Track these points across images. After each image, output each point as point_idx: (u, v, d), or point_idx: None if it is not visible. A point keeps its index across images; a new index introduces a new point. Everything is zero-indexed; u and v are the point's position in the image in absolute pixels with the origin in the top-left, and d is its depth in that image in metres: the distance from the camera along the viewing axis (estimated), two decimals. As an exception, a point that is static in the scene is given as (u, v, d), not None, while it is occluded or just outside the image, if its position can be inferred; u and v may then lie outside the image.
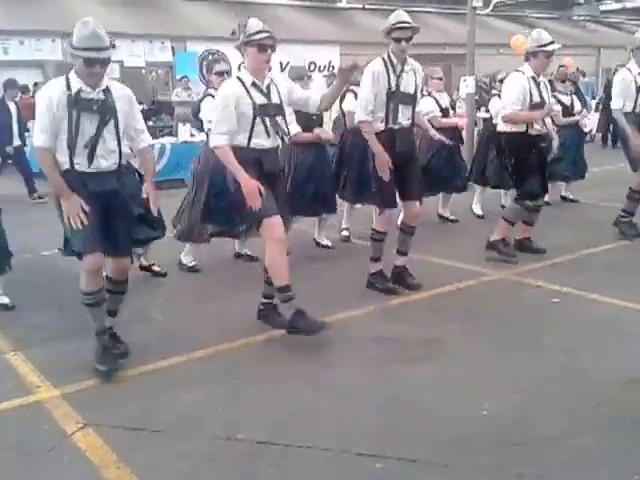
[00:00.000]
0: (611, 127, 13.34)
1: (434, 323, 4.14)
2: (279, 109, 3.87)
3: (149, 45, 14.65)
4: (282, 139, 3.92)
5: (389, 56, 4.45)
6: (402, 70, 4.47)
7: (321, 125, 5.81)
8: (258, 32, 3.74)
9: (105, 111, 3.36)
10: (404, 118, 4.51)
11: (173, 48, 15.20)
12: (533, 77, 5.16)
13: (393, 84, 4.42)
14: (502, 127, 5.33)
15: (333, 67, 17.18)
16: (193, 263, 5.40)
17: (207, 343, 3.85)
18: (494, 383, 3.29)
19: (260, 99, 3.79)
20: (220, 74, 5.12)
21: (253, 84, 3.80)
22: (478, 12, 14.95)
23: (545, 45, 5.11)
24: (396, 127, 4.48)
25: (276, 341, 3.92)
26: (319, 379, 3.38)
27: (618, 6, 24.25)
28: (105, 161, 3.40)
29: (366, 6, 19.74)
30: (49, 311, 4.48)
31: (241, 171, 3.71)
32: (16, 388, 3.37)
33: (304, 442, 2.75)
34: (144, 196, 3.56)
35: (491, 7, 16.49)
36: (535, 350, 3.69)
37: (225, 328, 4.09)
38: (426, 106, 6.19)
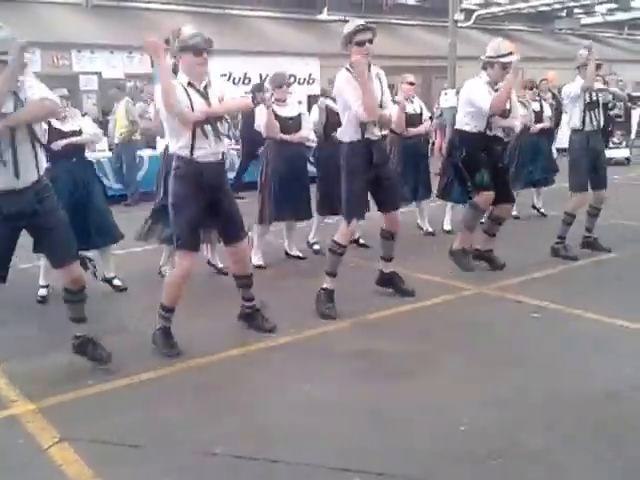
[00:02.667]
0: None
1: (413, 338, 4.23)
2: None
3: (128, 57, 14.71)
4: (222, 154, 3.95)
5: (351, 66, 4.44)
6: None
7: (298, 131, 5.93)
8: (192, 37, 3.83)
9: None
10: (376, 129, 4.54)
11: (152, 60, 15.30)
12: (489, 83, 5.29)
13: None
14: (461, 125, 5.43)
15: (313, 80, 17.39)
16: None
17: (182, 357, 3.90)
18: (474, 398, 3.37)
19: (200, 104, 3.82)
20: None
21: (190, 84, 3.84)
22: (459, 25, 15.31)
23: (502, 56, 5.21)
24: (373, 138, 4.52)
25: (253, 355, 3.99)
26: (297, 393, 3.44)
27: (599, 19, 24.87)
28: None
29: (347, 18, 20.00)
30: (26, 325, 4.51)
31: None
32: (-10, 402, 3.39)
33: (284, 457, 2.81)
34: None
35: (472, 20, 16.84)
36: (515, 365, 3.77)
37: (201, 342, 4.14)
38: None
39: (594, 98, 5.96)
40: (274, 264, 6.01)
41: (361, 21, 4.52)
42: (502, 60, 5.21)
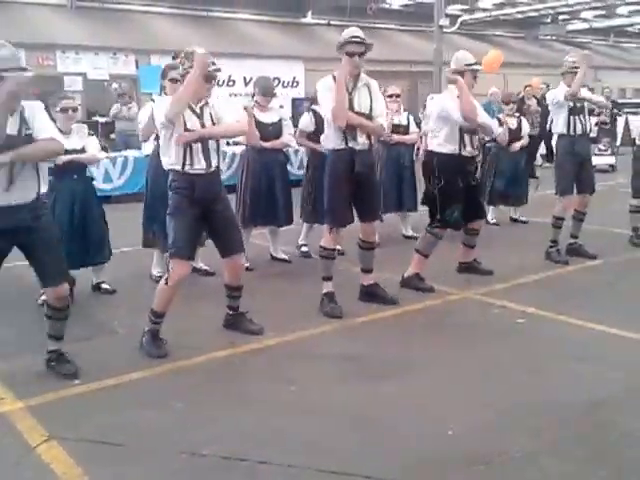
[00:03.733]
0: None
1: (398, 342, 4.30)
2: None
3: (112, 58, 14.73)
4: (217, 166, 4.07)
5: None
6: (354, 87, 4.55)
7: (278, 137, 5.98)
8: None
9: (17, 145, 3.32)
10: (363, 138, 4.61)
11: (137, 61, 15.32)
12: (459, 97, 5.25)
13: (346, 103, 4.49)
14: (435, 147, 5.40)
15: (297, 82, 17.50)
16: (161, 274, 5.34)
17: (169, 358, 3.96)
18: (459, 403, 3.43)
19: (193, 123, 3.96)
20: (174, 81, 4.79)
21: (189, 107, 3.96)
22: (445, 30, 15.50)
23: (470, 65, 5.33)
24: (357, 147, 4.59)
25: (238, 357, 4.04)
26: (283, 396, 3.50)
27: (585, 26, 25.25)
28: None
29: (331, 22, 20.17)
30: (12, 323, 4.55)
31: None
32: (-22, 400, 3.42)
33: (270, 459, 2.85)
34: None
35: (457, 25, 17.04)
36: (500, 370, 3.85)
37: (186, 344, 4.19)
38: None
39: (579, 104, 6.06)
40: (260, 266, 6.07)
41: (360, 33, 4.56)
42: (472, 68, 5.33)
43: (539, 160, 14.11)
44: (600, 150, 12.80)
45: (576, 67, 6.08)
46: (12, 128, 3.33)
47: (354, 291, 5.10)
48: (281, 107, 6.36)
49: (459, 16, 18.64)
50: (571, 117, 6.03)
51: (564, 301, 5.08)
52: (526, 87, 11.89)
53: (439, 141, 5.35)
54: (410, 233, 7.34)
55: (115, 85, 14.35)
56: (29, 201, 3.45)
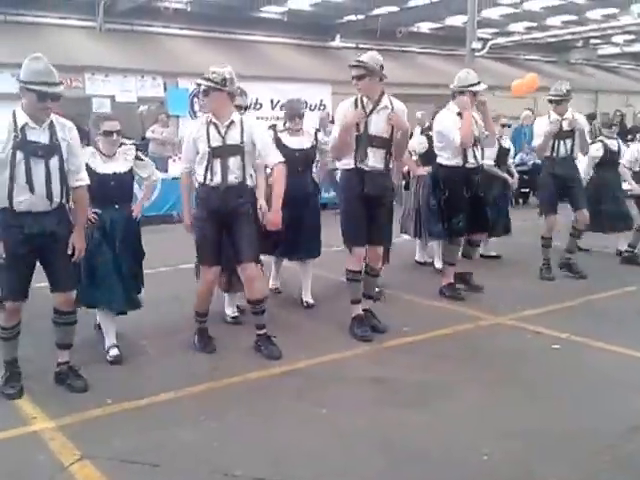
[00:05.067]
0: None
1: (430, 366, 4.29)
2: (236, 150, 4.27)
3: (141, 80, 15.05)
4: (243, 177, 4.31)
5: (361, 96, 4.65)
6: (373, 110, 4.58)
7: (309, 165, 5.67)
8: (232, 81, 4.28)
9: (50, 152, 3.63)
10: (375, 161, 4.64)
11: (165, 84, 15.63)
12: (459, 114, 5.60)
13: (361, 126, 4.58)
14: (441, 160, 5.77)
15: (324, 106, 17.68)
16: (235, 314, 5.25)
17: (200, 380, 4.01)
18: (493, 429, 3.41)
19: (216, 140, 4.25)
20: (239, 108, 4.81)
21: (212, 123, 4.28)
22: (475, 54, 15.57)
23: (472, 85, 5.59)
24: (366, 168, 4.63)
25: (269, 379, 4.07)
26: (313, 419, 3.52)
27: (616, 50, 25.20)
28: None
29: (360, 45, 20.40)
30: (42, 343, 4.59)
31: (186, 208, 4.52)
32: (11, 418, 3.50)
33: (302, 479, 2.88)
34: (70, 250, 3.76)
35: (487, 49, 17.11)
36: (536, 396, 3.82)
37: (217, 365, 4.26)
38: None
39: (567, 127, 6.30)
40: (291, 288, 6.09)
41: (364, 57, 4.63)
42: (472, 89, 5.56)
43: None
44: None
45: (566, 95, 6.36)
46: (44, 139, 3.63)
47: (387, 314, 5.11)
48: (318, 130, 5.81)
49: (489, 39, 18.73)
50: (556, 141, 6.29)
51: (599, 327, 5.04)
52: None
53: (444, 155, 5.68)
54: (424, 259, 7.25)
55: (142, 108, 14.68)
56: (55, 207, 3.70)
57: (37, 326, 4.38)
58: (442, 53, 21.59)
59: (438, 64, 21.03)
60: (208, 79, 4.25)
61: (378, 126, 4.62)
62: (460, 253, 6.01)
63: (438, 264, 6.71)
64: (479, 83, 5.64)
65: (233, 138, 4.27)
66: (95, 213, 4.28)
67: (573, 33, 20.41)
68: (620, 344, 4.62)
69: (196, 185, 4.44)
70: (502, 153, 7.42)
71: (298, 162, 5.30)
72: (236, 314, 5.20)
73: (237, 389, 3.93)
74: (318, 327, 4.99)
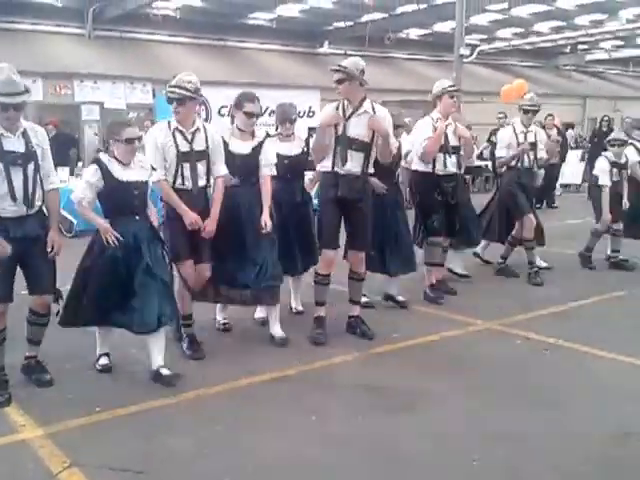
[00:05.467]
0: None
1: (419, 373, 4.30)
2: (202, 155, 4.47)
3: (130, 87, 15.06)
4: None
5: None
6: (352, 113, 4.63)
7: (300, 172, 5.50)
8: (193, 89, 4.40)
9: (27, 159, 3.75)
10: (353, 165, 4.67)
11: (154, 90, 15.66)
12: (439, 119, 5.85)
13: (340, 128, 4.64)
14: (415, 166, 5.99)
15: (313, 112, 17.73)
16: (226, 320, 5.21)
17: (189, 387, 3.99)
18: (481, 434, 3.43)
19: (184, 146, 4.42)
20: (250, 115, 4.75)
21: (178, 130, 4.42)
22: (464, 60, 15.67)
23: (447, 87, 5.90)
24: (341, 172, 4.68)
25: (259, 386, 4.06)
26: (303, 426, 3.52)
27: (604, 56, 25.42)
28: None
29: (348, 52, 20.49)
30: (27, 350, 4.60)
31: (183, 208, 4.43)
32: (0, 427, 3.48)
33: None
34: (49, 248, 3.85)
35: (475, 55, 17.22)
36: (523, 402, 3.85)
37: (207, 372, 4.24)
38: None
39: (532, 139, 6.67)
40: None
41: (344, 62, 4.72)
42: (448, 89, 5.86)
43: (559, 189, 14.16)
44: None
45: (534, 106, 6.70)
46: (18, 148, 3.75)
47: (375, 320, 5.13)
48: (311, 136, 5.50)
49: (477, 45, 18.86)
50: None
51: (588, 332, 5.08)
52: (547, 117, 11.98)
53: (415, 160, 5.91)
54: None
55: (131, 115, 14.68)
56: (36, 211, 3.84)
57: (24, 333, 4.35)
58: (430, 59, 21.74)
59: (426, 70, 21.15)
60: (185, 88, 4.35)
61: (357, 129, 4.65)
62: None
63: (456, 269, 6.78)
64: (453, 86, 5.98)
65: (199, 144, 4.46)
66: (112, 225, 4.04)
67: (561, 39, 20.58)
68: (609, 349, 4.66)
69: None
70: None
71: (286, 169, 5.11)
72: (226, 321, 5.20)
73: (227, 396, 3.93)
74: (301, 334, 4.98)
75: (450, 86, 5.91)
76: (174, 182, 4.44)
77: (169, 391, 3.91)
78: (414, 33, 21.32)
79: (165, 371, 4.03)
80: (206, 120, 17.56)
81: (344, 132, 4.64)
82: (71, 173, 10.06)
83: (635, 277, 6.73)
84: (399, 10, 18.25)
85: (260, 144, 4.78)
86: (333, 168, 4.71)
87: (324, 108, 4.95)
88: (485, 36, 21.58)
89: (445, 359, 4.58)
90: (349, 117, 4.65)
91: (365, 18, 18.58)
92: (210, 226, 4.47)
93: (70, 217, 8.82)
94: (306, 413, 3.66)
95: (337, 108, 4.70)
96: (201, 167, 4.47)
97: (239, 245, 4.68)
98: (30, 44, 14.59)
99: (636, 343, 4.79)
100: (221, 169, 4.58)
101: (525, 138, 6.59)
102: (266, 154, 4.78)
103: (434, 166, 5.81)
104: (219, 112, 16.89)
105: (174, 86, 4.37)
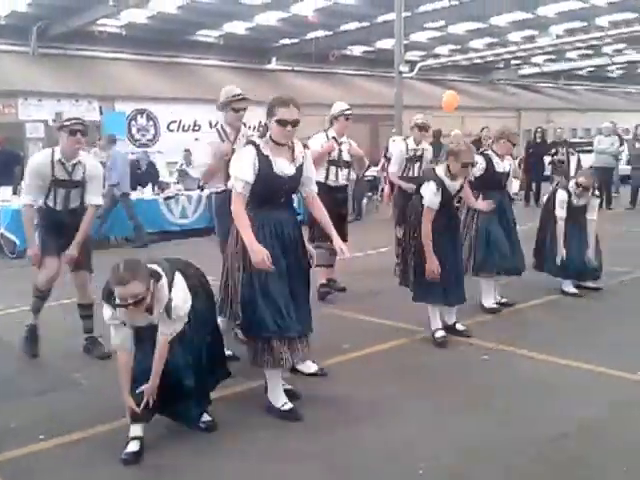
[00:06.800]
0: (534, 186, 14.25)
1: (368, 383, 4.26)
2: (78, 184, 4.76)
3: (75, 104, 14.71)
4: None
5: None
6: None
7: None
8: (69, 119, 4.70)
9: None
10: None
11: (101, 107, 15.34)
12: (334, 137, 6.30)
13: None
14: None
15: (263, 126, 17.71)
16: None
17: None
18: (430, 442, 3.42)
19: (62, 174, 4.67)
20: (284, 124, 3.75)
21: (59, 161, 4.65)
22: (404, 75, 15.91)
23: (344, 110, 6.32)
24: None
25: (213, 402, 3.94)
26: (257, 444, 3.43)
27: (536, 70, 26.23)
28: None
29: (295, 68, 20.56)
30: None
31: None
32: None
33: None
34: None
35: (416, 71, 17.52)
36: (469, 408, 3.85)
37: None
38: None
39: (418, 154, 7.21)
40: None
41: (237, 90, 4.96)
42: (345, 112, 6.29)
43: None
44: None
45: (424, 125, 7.22)
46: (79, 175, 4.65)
47: (325, 332, 5.07)
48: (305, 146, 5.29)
49: (418, 61, 19.20)
50: (408, 164, 7.18)
51: (526, 336, 5.14)
52: (483, 129, 12.26)
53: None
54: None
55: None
56: None
57: None
58: (374, 75, 21.99)
59: (370, 85, 21.39)
60: (85, 124, 4.73)
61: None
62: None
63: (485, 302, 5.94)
64: (349, 109, 6.36)
65: (78, 175, 4.74)
66: None
67: (495, 55, 21.14)
68: (546, 352, 4.72)
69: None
70: None
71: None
72: None
73: (169, 420, 3.68)
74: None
75: (347, 109, 6.32)
76: (45, 204, 4.73)
77: (114, 415, 3.67)
78: (357, 50, 21.56)
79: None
80: (154, 137, 17.38)
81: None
82: (14, 192, 9.68)
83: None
84: (343, 28, 18.44)
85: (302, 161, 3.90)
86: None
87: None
88: (425, 52, 21.99)
89: (394, 368, 4.55)
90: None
91: (310, 35, 18.70)
92: (71, 251, 4.70)
93: (13, 237, 8.52)
94: (260, 430, 3.56)
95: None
96: (75, 193, 4.76)
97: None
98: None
99: (571, 346, 4.87)
100: (90, 197, 4.84)
101: (415, 154, 7.18)
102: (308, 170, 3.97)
103: (326, 177, 6.19)
104: (168, 128, 16.73)
105: (77, 121, 4.69)
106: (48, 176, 4.65)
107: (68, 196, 4.75)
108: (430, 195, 4.92)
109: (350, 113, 6.32)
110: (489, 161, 5.83)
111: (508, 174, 6.02)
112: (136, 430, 3.31)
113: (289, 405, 3.78)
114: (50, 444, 3.44)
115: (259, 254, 3.48)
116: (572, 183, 6.24)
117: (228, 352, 4.21)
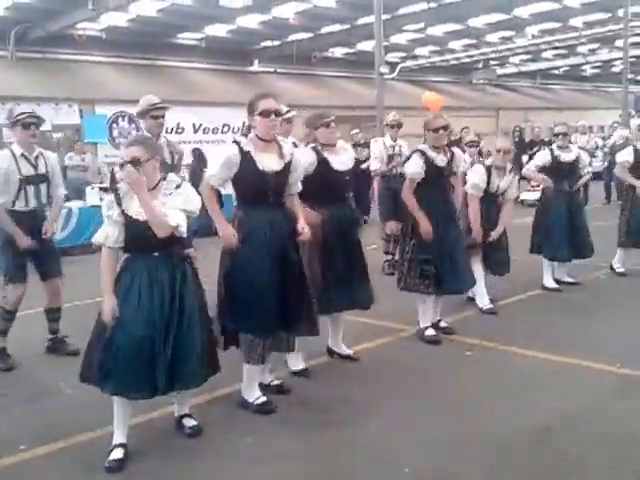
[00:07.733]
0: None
1: (354, 382, 4.22)
2: (44, 178, 4.79)
3: (55, 108, 14.51)
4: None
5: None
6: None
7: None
8: (22, 113, 4.70)
9: None
10: None
11: (81, 110, 15.14)
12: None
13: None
14: None
15: (246, 127, 17.65)
16: None
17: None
18: (414, 442, 3.37)
19: (28, 170, 4.67)
20: (267, 113, 3.72)
21: (22, 155, 4.66)
22: (385, 77, 15.90)
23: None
24: None
25: (192, 409, 3.82)
26: (238, 447, 3.37)
27: (514, 70, 26.40)
28: None
29: (277, 70, 20.48)
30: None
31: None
32: None
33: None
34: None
35: (397, 72, 17.54)
36: (453, 405, 3.82)
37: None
38: None
39: (396, 150, 7.44)
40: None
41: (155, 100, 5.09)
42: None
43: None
44: (532, 186, 13.19)
45: (396, 122, 7.57)
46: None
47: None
48: (294, 145, 4.66)
49: (399, 63, 19.22)
50: (389, 162, 7.38)
51: (509, 332, 5.13)
52: (463, 129, 12.30)
53: None
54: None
55: (57, 135, 14.16)
56: None
57: None
58: (355, 76, 21.96)
59: (351, 87, 21.36)
60: (38, 117, 4.77)
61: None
62: None
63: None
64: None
65: (42, 168, 4.77)
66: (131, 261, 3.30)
67: (474, 55, 21.23)
68: (528, 347, 4.71)
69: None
70: None
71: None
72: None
73: (158, 424, 3.67)
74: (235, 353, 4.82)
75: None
76: (14, 203, 4.66)
77: (97, 424, 3.60)
78: (339, 52, 21.53)
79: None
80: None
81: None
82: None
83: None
84: (324, 30, 18.40)
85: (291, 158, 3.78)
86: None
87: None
88: (405, 54, 22.03)
89: (379, 367, 4.51)
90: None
91: (292, 37, 18.64)
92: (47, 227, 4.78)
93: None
94: (241, 435, 3.48)
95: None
96: (44, 188, 4.80)
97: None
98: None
99: (552, 340, 4.86)
100: (58, 190, 4.95)
101: (394, 150, 7.44)
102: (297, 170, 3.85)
103: None
104: (150, 131, 16.52)
105: (31, 114, 4.72)
106: (16, 175, 4.62)
107: (38, 193, 4.75)
108: (412, 165, 4.88)
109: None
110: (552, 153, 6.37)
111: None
112: (119, 437, 3.25)
113: (263, 398, 3.79)
114: (31, 455, 3.34)
115: (228, 239, 3.62)
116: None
117: (276, 382, 4.12)
